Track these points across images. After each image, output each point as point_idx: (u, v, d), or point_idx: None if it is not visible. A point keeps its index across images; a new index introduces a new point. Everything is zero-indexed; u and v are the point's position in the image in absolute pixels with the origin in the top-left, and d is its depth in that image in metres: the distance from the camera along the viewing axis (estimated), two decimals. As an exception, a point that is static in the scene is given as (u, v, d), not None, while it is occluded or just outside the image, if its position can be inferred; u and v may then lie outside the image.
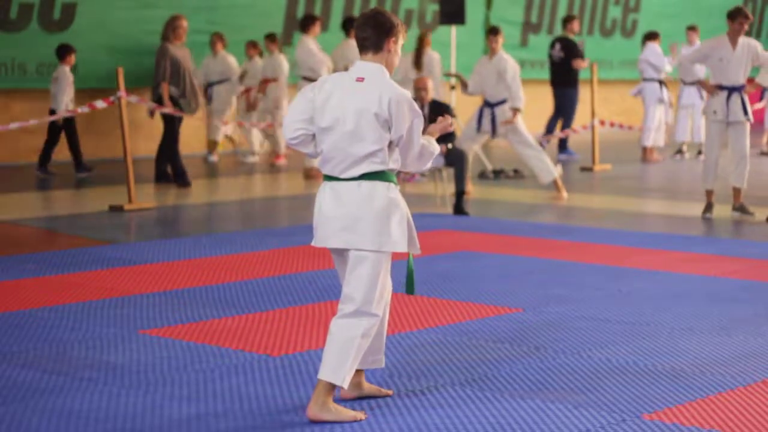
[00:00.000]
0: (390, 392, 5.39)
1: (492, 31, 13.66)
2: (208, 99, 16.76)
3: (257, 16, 18.33)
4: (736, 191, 11.49)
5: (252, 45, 17.16)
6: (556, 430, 4.91)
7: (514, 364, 5.97)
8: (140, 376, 5.70)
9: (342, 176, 5.07)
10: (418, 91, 11.73)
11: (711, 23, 22.69)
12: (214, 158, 17.11)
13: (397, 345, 6.28)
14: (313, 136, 5.16)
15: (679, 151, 18.20)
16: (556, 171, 13.19)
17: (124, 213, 11.63)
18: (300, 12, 18.59)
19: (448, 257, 9.14)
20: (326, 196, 5.12)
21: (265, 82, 16.48)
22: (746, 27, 11.27)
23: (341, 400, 5.27)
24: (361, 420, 5.05)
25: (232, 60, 16.85)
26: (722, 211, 11.63)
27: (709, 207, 11.48)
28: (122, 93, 12.00)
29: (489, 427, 4.95)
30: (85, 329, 6.71)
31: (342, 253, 5.18)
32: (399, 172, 12.50)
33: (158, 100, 13.52)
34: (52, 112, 14.55)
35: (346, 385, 5.03)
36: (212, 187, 14.14)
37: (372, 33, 5.10)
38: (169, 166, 13.87)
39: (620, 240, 10.01)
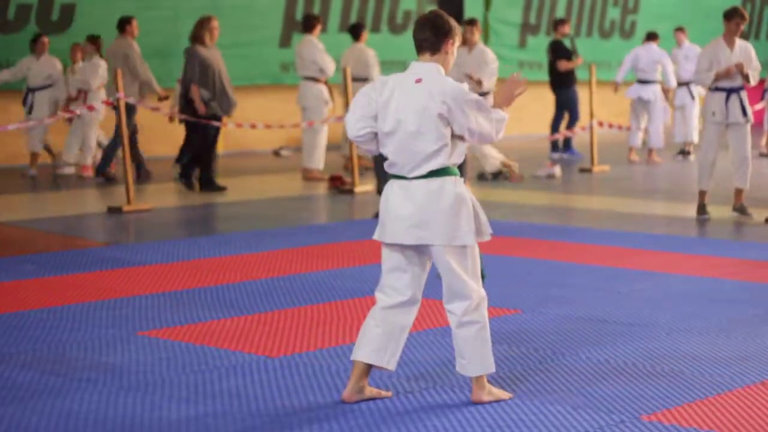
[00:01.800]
0: (389, 394, 5.40)
1: (469, 22, 13.74)
2: (29, 107, 14.99)
3: (256, 17, 18.33)
4: (738, 192, 11.47)
5: (78, 47, 15.39)
6: (555, 432, 4.92)
7: (513, 365, 5.97)
8: (139, 378, 5.70)
9: (410, 176, 5.21)
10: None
11: (709, 24, 22.66)
12: (33, 172, 15.04)
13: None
14: (376, 134, 5.30)
15: (682, 152, 18.21)
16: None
17: (122, 214, 11.62)
18: (299, 13, 18.60)
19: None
20: (395, 194, 5.26)
21: (81, 91, 14.87)
22: (742, 27, 11.27)
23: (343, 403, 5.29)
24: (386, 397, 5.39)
25: (57, 63, 15.15)
26: (721, 211, 11.62)
27: (701, 208, 11.46)
28: (121, 95, 12.00)
29: (488, 428, 4.95)
30: (83, 330, 6.71)
31: (413, 249, 5.29)
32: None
33: (188, 103, 13.27)
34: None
35: (493, 369, 5.33)
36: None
37: (431, 35, 5.27)
38: (197, 170, 13.60)
39: (619, 241, 10.01)
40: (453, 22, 5.31)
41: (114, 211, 11.73)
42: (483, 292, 5.32)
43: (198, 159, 13.49)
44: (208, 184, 13.44)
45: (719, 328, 6.83)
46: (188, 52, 13.37)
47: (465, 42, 13.94)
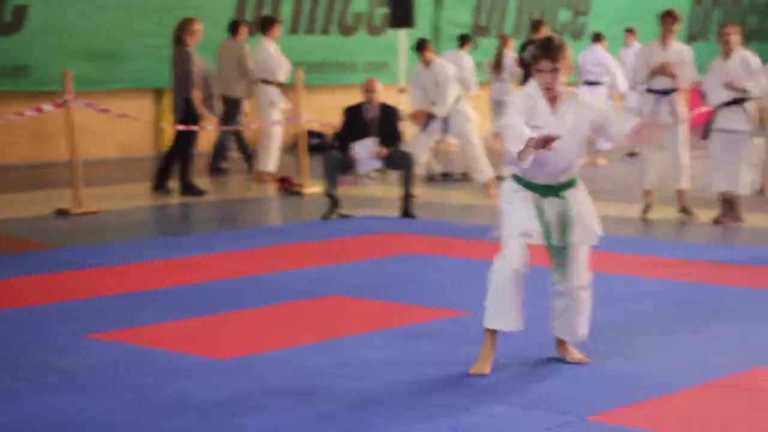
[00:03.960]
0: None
1: (419, 47, 13.48)
2: None
3: (207, 19, 18.22)
4: (680, 192, 11.58)
5: None
6: (501, 432, 4.96)
7: (462, 366, 5.98)
8: (87, 381, 5.67)
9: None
10: (367, 93, 11.73)
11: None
12: None
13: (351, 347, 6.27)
14: None
15: (630, 153, 18.31)
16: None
17: (70, 217, 11.54)
18: (249, 15, 18.54)
19: (394, 260, 9.15)
20: None
21: None
22: (675, 28, 11.44)
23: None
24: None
25: None
26: (667, 212, 11.70)
27: (647, 208, 11.58)
28: (69, 96, 11.94)
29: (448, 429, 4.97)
30: (30, 334, 6.67)
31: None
32: (347, 175, 12.40)
33: (186, 106, 13.06)
34: None
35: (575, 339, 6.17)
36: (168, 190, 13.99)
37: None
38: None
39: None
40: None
41: (62, 213, 11.64)
42: (579, 283, 6.19)
43: (183, 163, 13.27)
44: (190, 188, 13.27)
45: (664, 328, 6.90)
46: (182, 54, 13.13)
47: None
